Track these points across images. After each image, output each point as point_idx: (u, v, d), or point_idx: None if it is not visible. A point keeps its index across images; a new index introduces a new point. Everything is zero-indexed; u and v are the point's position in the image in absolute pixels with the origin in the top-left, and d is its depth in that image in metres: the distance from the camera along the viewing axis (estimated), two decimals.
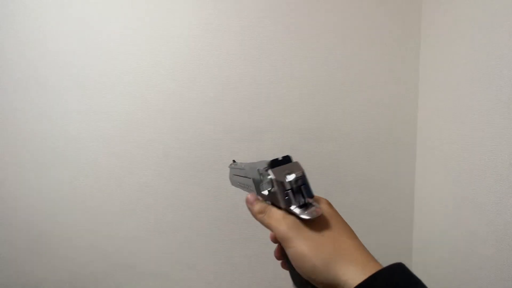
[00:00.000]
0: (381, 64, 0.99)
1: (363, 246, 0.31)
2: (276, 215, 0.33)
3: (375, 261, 0.29)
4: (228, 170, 0.53)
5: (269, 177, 0.35)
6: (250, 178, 0.42)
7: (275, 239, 0.36)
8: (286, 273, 0.40)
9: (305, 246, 0.29)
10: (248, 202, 0.38)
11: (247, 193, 0.42)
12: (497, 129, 0.70)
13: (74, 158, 0.97)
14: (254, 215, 0.36)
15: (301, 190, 0.33)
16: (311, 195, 0.34)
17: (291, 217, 0.32)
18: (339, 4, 0.98)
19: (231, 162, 0.53)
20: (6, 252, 0.98)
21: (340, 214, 0.34)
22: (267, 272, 1.00)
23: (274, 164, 0.36)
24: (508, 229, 0.66)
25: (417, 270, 0.96)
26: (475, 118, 0.76)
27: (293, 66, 0.98)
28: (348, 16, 0.98)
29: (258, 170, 0.38)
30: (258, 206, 0.36)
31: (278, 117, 0.98)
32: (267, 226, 0.34)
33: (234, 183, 0.51)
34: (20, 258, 0.99)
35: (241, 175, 0.46)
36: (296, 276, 0.33)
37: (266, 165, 0.36)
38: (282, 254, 0.36)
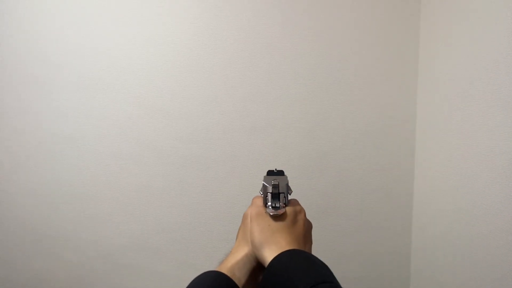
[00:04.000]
0: (380, 63, 0.99)
1: (298, 243, 0.42)
2: (257, 203, 0.47)
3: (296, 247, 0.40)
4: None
5: (262, 181, 0.47)
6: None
7: None
8: None
9: (255, 228, 0.43)
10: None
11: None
12: (496, 128, 0.70)
13: (72, 158, 0.97)
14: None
15: (279, 196, 0.45)
16: (284, 202, 0.45)
17: (261, 209, 0.46)
18: (337, 3, 0.98)
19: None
20: (5, 252, 0.99)
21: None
22: None
23: (269, 173, 0.48)
24: (508, 229, 0.66)
25: (416, 271, 0.96)
26: (475, 117, 0.76)
27: (292, 64, 0.98)
28: (347, 15, 0.98)
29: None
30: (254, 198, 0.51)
31: (276, 116, 0.98)
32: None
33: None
34: (18, 259, 0.99)
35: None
36: None
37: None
38: None
